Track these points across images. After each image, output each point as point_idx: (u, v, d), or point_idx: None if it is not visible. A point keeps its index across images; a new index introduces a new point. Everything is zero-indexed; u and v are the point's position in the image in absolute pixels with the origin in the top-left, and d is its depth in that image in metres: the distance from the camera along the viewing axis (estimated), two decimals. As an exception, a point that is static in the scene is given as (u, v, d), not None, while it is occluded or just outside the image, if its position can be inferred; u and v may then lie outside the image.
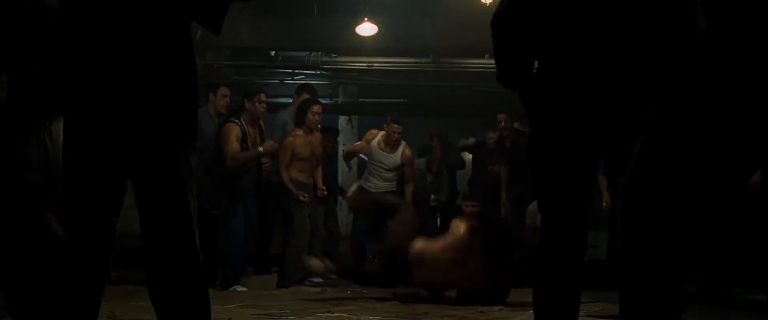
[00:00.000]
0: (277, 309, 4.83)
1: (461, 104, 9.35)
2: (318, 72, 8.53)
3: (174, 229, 2.46)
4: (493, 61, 7.84)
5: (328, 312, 4.57)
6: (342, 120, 9.61)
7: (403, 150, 7.21)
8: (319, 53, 8.20)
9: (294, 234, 6.55)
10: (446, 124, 9.24)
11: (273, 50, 8.21)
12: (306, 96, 7.07)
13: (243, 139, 6.28)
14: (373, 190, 7.16)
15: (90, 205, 2.49)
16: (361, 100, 9.66)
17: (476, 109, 8.72)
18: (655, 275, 1.95)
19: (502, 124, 7.56)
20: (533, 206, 7.17)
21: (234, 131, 6.29)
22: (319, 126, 6.98)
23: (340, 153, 8.23)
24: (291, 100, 8.30)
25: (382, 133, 7.24)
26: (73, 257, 2.47)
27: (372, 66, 8.25)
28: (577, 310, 2.72)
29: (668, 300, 1.96)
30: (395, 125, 7.10)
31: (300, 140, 6.64)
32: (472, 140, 8.48)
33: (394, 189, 7.25)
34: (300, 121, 6.72)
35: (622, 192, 2.03)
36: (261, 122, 6.63)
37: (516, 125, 7.75)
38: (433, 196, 7.61)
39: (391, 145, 7.17)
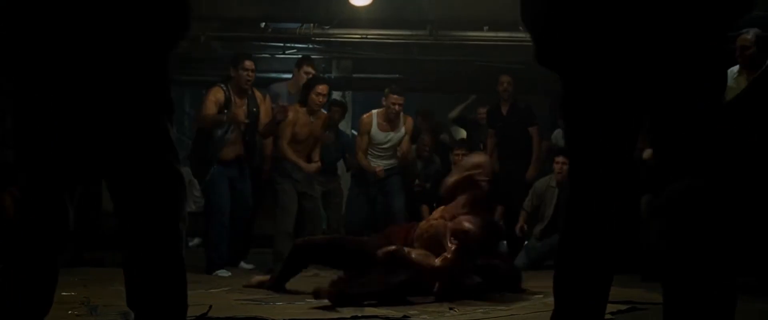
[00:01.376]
0: (266, 294, 4.51)
1: (460, 79, 9.01)
2: (310, 45, 8.16)
3: (154, 204, 2.26)
4: (493, 34, 7.55)
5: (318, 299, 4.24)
6: (335, 96, 9.24)
7: (404, 120, 6.83)
8: (311, 25, 7.84)
9: (279, 211, 6.14)
10: (443, 100, 8.94)
11: (263, 22, 7.84)
12: (307, 69, 6.62)
13: (226, 106, 5.90)
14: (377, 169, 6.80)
15: (41, 179, 2.24)
16: (355, 75, 9.32)
17: (476, 84, 8.37)
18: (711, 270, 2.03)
19: (505, 84, 7.27)
20: (539, 183, 6.88)
21: (214, 94, 5.93)
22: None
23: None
24: (283, 76, 8.04)
25: (377, 111, 6.85)
26: (20, 235, 2.25)
27: (366, 38, 7.89)
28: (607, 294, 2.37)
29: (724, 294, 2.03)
30: (395, 96, 6.68)
31: (302, 119, 6.19)
32: (456, 111, 8.09)
33: (396, 164, 6.86)
34: (303, 98, 6.24)
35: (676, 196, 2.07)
36: (255, 93, 6.20)
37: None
38: (416, 181, 7.22)
39: (391, 120, 6.75)
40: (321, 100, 6.22)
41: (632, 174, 2.31)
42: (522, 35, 7.42)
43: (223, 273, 5.77)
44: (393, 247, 4.21)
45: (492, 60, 8.36)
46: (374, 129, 6.80)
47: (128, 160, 2.24)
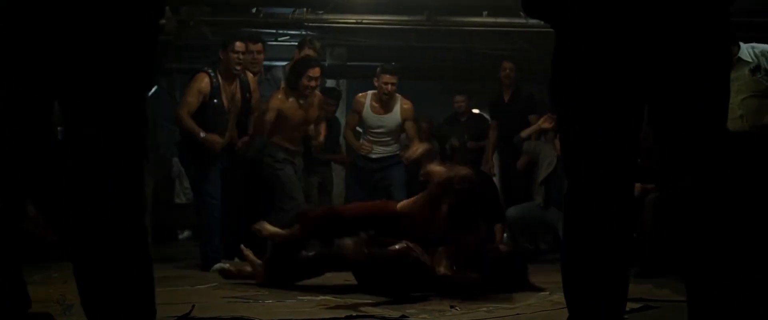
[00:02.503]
0: (255, 291, 4.25)
1: (459, 67, 8.75)
2: (303, 31, 7.88)
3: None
4: (493, 19, 7.26)
5: (312, 295, 3.99)
6: (329, 84, 8.99)
7: (400, 105, 6.48)
8: (305, 10, 7.55)
9: (285, 196, 5.74)
10: (441, 89, 8.68)
11: (254, 7, 7.56)
12: (308, 52, 6.27)
13: (212, 94, 5.57)
14: (374, 156, 6.49)
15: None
16: (349, 63, 9.05)
17: (475, 71, 8.12)
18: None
19: (507, 71, 7.06)
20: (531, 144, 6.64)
21: (199, 82, 5.57)
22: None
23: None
24: (275, 63, 7.75)
25: (372, 92, 6.55)
26: None
27: (361, 23, 7.62)
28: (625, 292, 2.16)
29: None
30: (387, 76, 6.35)
31: (289, 105, 5.86)
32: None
33: (397, 152, 6.53)
34: (292, 83, 5.87)
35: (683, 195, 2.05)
36: (249, 78, 5.87)
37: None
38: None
39: (384, 102, 6.44)
40: (313, 84, 5.88)
41: (632, 167, 2.12)
42: (522, 21, 7.20)
43: (221, 267, 5.33)
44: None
45: (492, 47, 8.11)
46: (366, 110, 6.50)
47: (93, 121, 1.96)
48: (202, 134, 5.46)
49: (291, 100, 5.88)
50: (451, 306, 3.59)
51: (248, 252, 4.60)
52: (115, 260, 1.99)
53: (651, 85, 2.04)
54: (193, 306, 3.31)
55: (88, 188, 1.97)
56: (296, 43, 6.92)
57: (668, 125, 2.07)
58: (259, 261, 4.55)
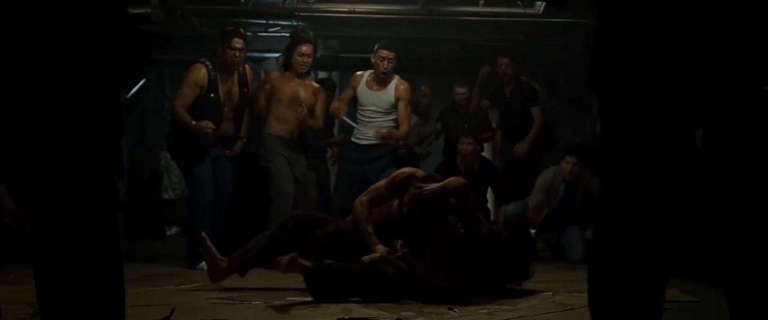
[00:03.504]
0: (243, 292, 4.03)
1: (455, 58, 8.53)
2: (294, 21, 7.64)
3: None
4: (489, 9, 6.99)
5: (303, 296, 3.77)
6: (321, 76, 8.77)
7: (396, 84, 6.17)
8: (295, 0, 7.33)
9: (273, 190, 5.54)
10: (436, 81, 8.45)
11: (244, -4, 7.34)
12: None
13: (209, 88, 5.33)
14: (365, 142, 6.18)
15: None
16: (342, 55, 8.82)
17: (471, 63, 7.88)
18: None
19: (503, 67, 6.90)
20: (545, 176, 6.45)
21: (196, 74, 5.33)
22: (311, 73, 5.95)
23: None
24: (265, 55, 7.55)
25: (369, 71, 6.26)
26: None
27: (354, 13, 7.39)
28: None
29: None
30: (384, 51, 6.06)
31: (283, 83, 5.63)
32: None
33: (394, 126, 6.19)
34: (286, 63, 5.72)
35: None
36: (246, 73, 5.60)
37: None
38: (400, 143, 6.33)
39: (380, 80, 6.13)
40: (306, 60, 5.66)
41: (684, 165, 1.86)
42: (520, 10, 7.00)
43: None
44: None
45: (488, 38, 7.90)
46: (361, 86, 6.19)
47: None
48: (194, 122, 5.25)
49: (284, 77, 5.70)
50: (450, 308, 3.37)
51: (209, 245, 4.26)
52: (79, 259, 1.77)
53: (709, 77, 1.76)
54: (173, 309, 3.09)
55: (51, 181, 1.76)
56: (287, 34, 6.68)
57: (721, 125, 1.79)
58: (219, 256, 4.24)
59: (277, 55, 6.75)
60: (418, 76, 8.87)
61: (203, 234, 4.36)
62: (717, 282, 1.86)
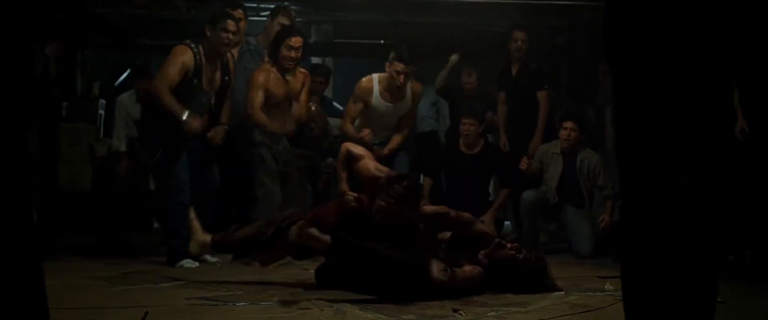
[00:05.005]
0: (225, 290, 3.70)
1: (453, 43, 8.20)
2: (285, 2, 7.31)
3: None
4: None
5: (293, 296, 3.45)
6: (315, 62, 8.45)
7: (411, 90, 5.79)
8: (288, -18, 7.02)
9: (257, 182, 5.22)
10: (436, 68, 8.15)
11: (235, -23, 7.00)
12: (281, 20, 5.69)
13: (194, 72, 4.90)
14: (376, 142, 5.74)
15: None
16: (336, 40, 8.50)
17: (470, 48, 7.57)
18: None
19: (519, 42, 6.53)
20: (542, 148, 6.15)
21: (181, 56, 4.87)
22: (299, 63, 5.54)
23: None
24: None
25: (378, 76, 5.79)
26: None
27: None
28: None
29: None
30: (399, 64, 5.58)
31: (274, 79, 5.28)
32: (441, 79, 7.30)
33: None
34: (273, 55, 5.33)
35: None
36: (229, 60, 5.16)
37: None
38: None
39: (394, 91, 5.71)
40: (294, 54, 5.28)
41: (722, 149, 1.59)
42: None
43: (189, 263, 4.78)
44: None
45: (485, 22, 7.59)
46: (376, 98, 5.75)
47: None
48: (185, 115, 4.84)
49: (274, 74, 5.32)
50: (455, 310, 3.05)
51: (193, 216, 4.26)
52: None
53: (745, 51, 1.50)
54: (146, 313, 2.76)
55: None
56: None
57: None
58: (201, 232, 4.14)
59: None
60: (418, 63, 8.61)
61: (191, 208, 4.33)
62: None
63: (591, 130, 6.49)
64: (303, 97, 5.56)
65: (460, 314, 2.99)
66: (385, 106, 5.77)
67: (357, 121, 5.84)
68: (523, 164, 6.11)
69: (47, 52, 6.25)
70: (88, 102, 8.40)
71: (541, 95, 6.48)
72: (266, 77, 5.28)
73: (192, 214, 4.17)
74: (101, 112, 8.30)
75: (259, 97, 5.24)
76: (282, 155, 5.36)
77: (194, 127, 4.88)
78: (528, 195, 6.02)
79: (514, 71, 6.63)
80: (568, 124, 5.96)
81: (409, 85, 5.77)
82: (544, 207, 6.05)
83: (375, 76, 5.81)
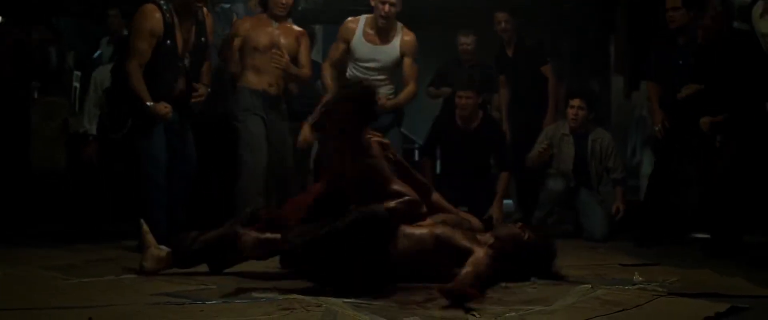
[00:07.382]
0: (199, 283, 3.19)
1: (453, 12, 7.70)
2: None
3: None
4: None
5: (274, 293, 2.93)
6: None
7: (401, 36, 5.18)
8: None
9: (244, 162, 4.74)
10: (433, 39, 7.63)
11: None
12: None
13: (165, 34, 4.36)
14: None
15: None
16: (325, 8, 7.96)
17: (471, 17, 7.06)
18: None
19: (502, 24, 6.10)
20: (551, 128, 5.69)
21: (149, 20, 4.32)
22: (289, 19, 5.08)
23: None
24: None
25: (366, 16, 5.20)
26: None
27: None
28: None
29: None
30: None
31: (257, 28, 4.85)
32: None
33: (392, 93, 5.27)
34: (263, 4, 4.93)
35: None
36: (204, 19, 4.61)
37: None
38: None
39: (381, 30, 5.11)
40: (284, 1, 4.87)
41: None
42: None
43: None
44: None
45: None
46: (357, 38, 5.15)
47: None
48: (150, 103, 4.31)
49: (259, 21, 4.94)
50: (468, 311, 2.55)
51: (146, 229, 3.55)
52: None
53: None
54: (90, 318, 2.24)
55: None
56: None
57: None
58: (155, 245, 3.48)
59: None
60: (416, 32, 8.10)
61: (142, 221, 3.62)
62: None
63: (599, 106, 6.09)
64: (303, 58, 5.05)
65: (474, 315, 2.48)
66: (367, 48, 5.15)
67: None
68: (544, 153, 5.60)
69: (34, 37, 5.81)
70: (62, 74, 7.87)
71: (546, 69, 6.06)
72: (247, 25, 4.91)
73: (144, 227, 3.55)
74: (76, 84, 7.77)
75: (238, 45, 4.88)
76: (272, 125, 4.86)
77: (162, 113, 4.35)
78: (556, 184, 5.58)
79: (509, 52, 6.23)
80: (575, 102, 5.53)
81: (400, 30, 5.18)
82: (568, 196, 5.59)
83: (362, 17, 5.24)
